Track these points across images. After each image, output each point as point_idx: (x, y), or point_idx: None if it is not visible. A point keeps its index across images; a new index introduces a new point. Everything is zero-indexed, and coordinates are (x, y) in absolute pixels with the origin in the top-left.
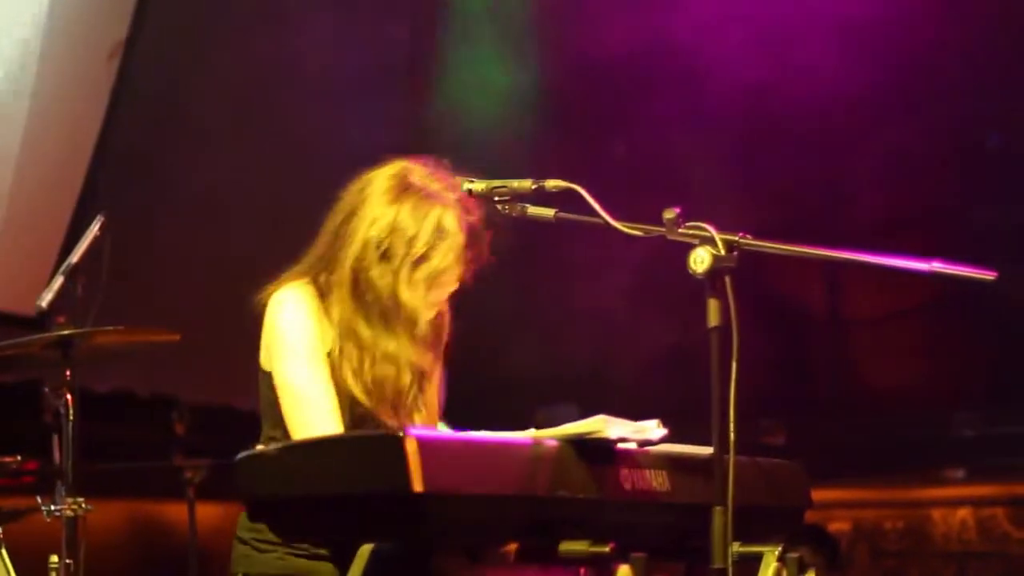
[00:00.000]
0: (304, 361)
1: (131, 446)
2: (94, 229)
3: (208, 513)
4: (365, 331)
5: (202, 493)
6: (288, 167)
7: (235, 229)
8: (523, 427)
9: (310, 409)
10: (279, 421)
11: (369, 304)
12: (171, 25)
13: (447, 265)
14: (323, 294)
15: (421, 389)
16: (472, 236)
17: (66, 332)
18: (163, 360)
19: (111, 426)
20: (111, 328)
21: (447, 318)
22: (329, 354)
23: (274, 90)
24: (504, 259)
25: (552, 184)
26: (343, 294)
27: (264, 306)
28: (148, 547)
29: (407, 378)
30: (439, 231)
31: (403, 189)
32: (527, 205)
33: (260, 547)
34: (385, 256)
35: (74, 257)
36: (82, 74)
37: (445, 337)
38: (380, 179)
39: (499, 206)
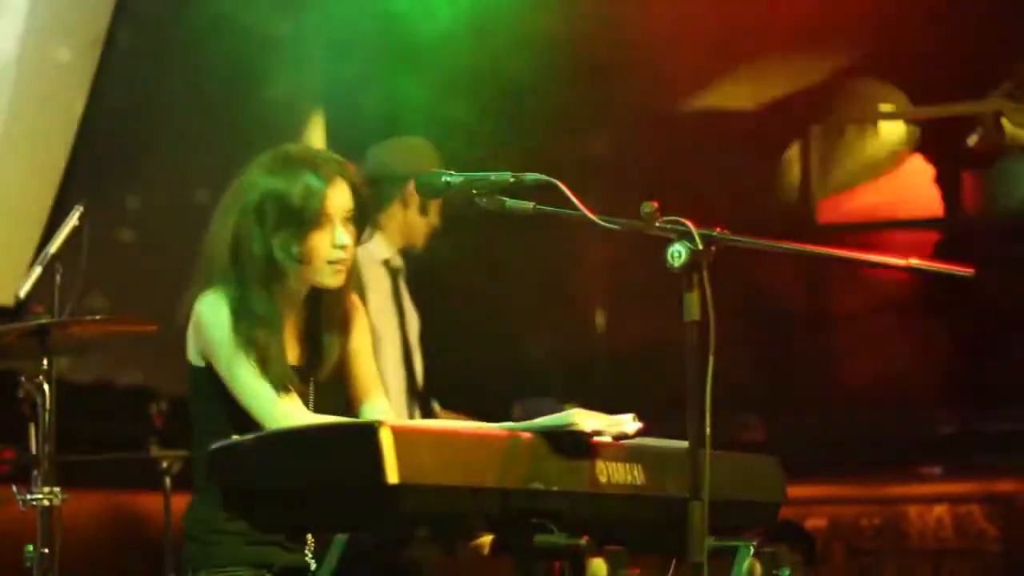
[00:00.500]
0: (243, 359)
1: (109, 437)
2: (73, 219)
3: (185, 504)
4: (255, 303)
5: (179, 484)
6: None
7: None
8: (500, 420)
9: (256, 398)
10: (216, 414)
11: (248, 272)
12: (151, 16)
13: (319, 223)
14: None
15: (323, 359)
16: (356, 199)
17: (43, 322)
18: (142, 351)
19: (89, 417)
20: (88, 318)
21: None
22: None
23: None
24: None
25: (531, 178)
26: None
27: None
28: (124, 538)
29: (292, 346)
30: (310, 189)
31: (278, 161)
32: (505, 198)
33: (210, 539)
34: (260, 221)
35: (52, 247)
36: (62, 65)
37: (357, 318)
38: (257, 160)
39: (477, 199)
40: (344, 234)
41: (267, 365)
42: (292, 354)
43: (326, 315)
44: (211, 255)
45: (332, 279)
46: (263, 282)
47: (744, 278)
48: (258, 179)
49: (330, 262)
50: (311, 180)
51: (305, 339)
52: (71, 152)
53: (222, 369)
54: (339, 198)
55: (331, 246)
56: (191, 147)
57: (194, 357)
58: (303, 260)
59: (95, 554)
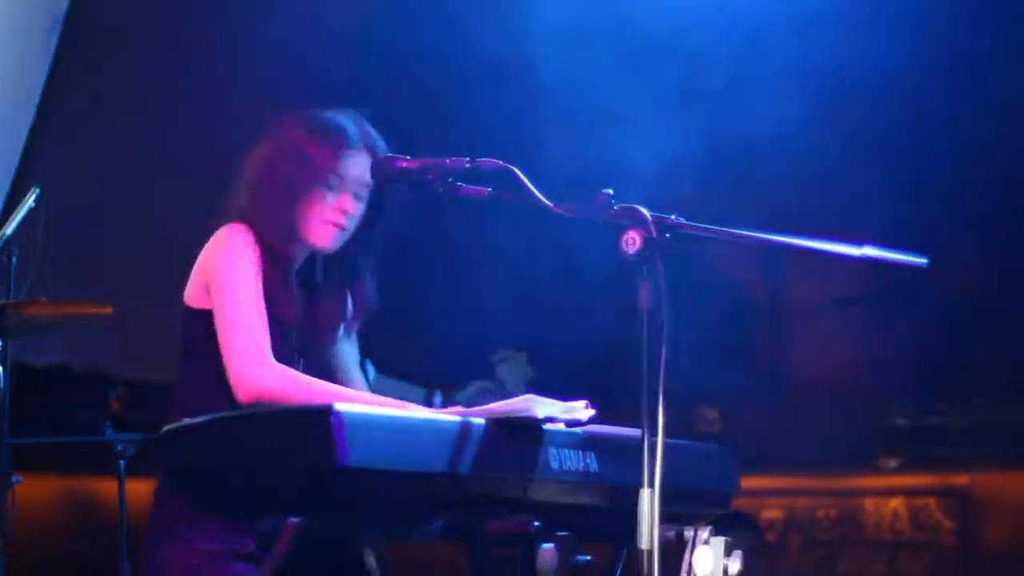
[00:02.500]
0: (249, 281)
1: (66, 421)
2: (28, 201)
3: (141, 490)
4: (272, 237)
5: (135, 469)
6: (228, 142)
7: (172, 204)
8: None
9: (247, 328)
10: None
11: (266, 210)
12: (109, 1)
13: (333, 185)
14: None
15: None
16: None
17: None
18: (100, 336)
19: (46, 400)
20: (43, 300)
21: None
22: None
23: (211, 63)
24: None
25: (486, 164)
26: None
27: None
28: (80, 522)
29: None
30: (328, 144)
31: (317, 119)
32: (460, 184)
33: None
34: (284, 168)
35: (7, 229)
36: (20, 50)
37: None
38: (297, 116)
39: (433, 184)
40: (351, 203)
41: (269, 295)
42: (290, 311)
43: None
44: (234, 194)
45: (322, 239)
46: (278, 218)
47: (701, 267)
48: (291, 132)
49: (326, 220)
50: (334, 143)
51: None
52: (29, 135)
53: (222, 291)
54: (357, 168)
55: (334, 207)
56: (152, 128)
57: (195, 296)
58: (307, 209)
59: (51, 537)
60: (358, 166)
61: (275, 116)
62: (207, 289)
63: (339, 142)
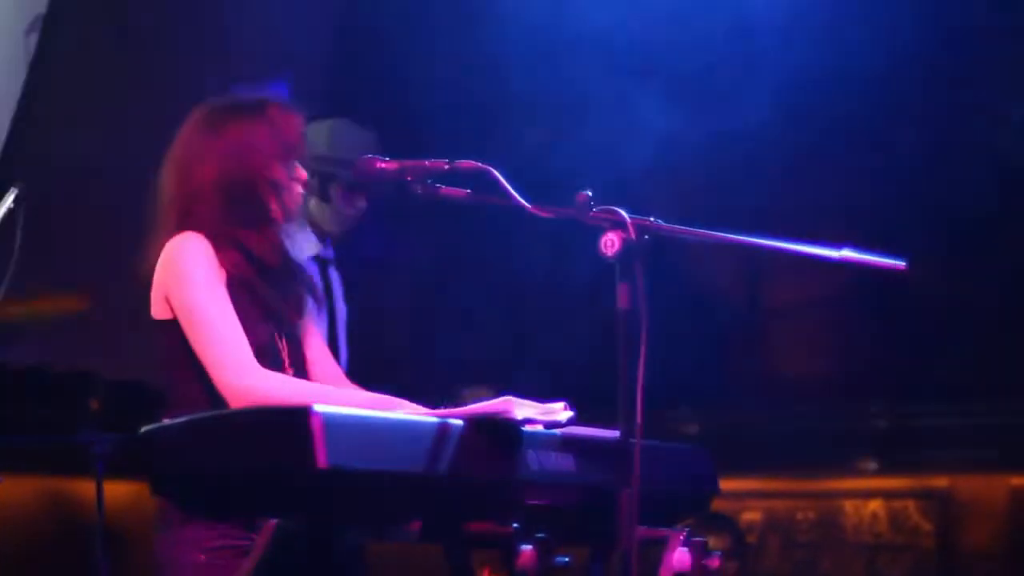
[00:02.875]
0: (210, 293)
1: (44, 422)
2: (7, 201)
3: (119, 491)
4: (235, 233)
5: (113, 471)
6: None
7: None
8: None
9: (223, 342)
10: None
11: (223, 206)
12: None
13: (280, 147)
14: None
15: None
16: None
17: None
18: (78, 336)
19: (24, 402)
20: (19, 297)
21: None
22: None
23: (194, 61)
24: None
25: (465, 165)
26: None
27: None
28: (57, 523)
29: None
30: (265, 122)
31: (221, 110)
32: (440, 185)
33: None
34: (221, 167)
35: None
36: (0, 49)
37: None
38: (203, 109)
39: (412, 186)
40: (300, 169)
41: (244, 288)
42: (268, 297)
43: (297, 264)
44: (178, 200)
45: (288, 208)
46: (234, 211)
47: (680, 269)
48: (215, 122)
49: (286, 190)
50: (280, 118)
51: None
52: (8, 135)
53: (186, 310)
54: (296, 134)
55: (290, 177)
56: (133, 127)
57: (159, 310)
58: (276, 188)
59: (29, 539)
60: (298, 129)
61: (181, 115)
62: (168, 303)
63: (287, 115)
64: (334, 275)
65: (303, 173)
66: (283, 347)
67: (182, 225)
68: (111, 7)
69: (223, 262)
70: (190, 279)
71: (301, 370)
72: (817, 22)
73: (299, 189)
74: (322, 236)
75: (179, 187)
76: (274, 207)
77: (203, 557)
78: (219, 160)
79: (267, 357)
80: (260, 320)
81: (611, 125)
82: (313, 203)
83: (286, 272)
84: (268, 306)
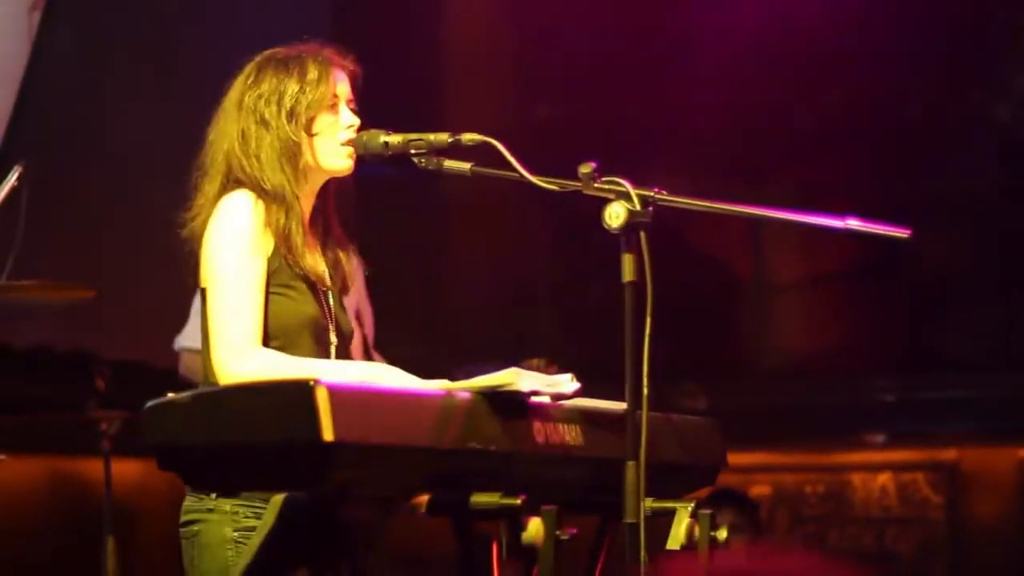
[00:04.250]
0: (238, 264)
1: (49, 402)
2: (11, 179)
3: (126, 470)
4: (276, 187)
5: (120, 449)
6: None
7: (157, 183)
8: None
9: (228, 318)
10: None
11: (264, 160)
12: None
13: (327, 104)
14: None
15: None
16: (351, 75)
17: None
18: (83, 315)
19: (29, 382)
20: (25, 282)
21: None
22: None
23: (197, 38)
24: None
25: (468, 138)
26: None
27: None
28: (65, 500)
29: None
30: (315, 73)
31: (274, 59)
32: (443, 159)
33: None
34: (269, 112)
35: None
36: (3, 27)
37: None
38: (251, 64)
39: (415, 159)
40: (351, 114)
41: (291, 251)
42: (312, 259)
43: (336, 229)
44: (220, 160)
45: (344, 161)
46: (280, 165)
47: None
48: (257, 76)
49: (342, 144)
50: (312, 65)
51: (322, 247)
52: (12, 113)
53: (211, 275)
54: (341, 83)
55: (341, 127)
56: (137, 104)
57: (202, 277)
58: (315, 132)
59: (35, 518)
60: (344, 80)
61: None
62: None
63: (322, 63)
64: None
65: (349, 120)
66: (332, 313)
67: (227, 182)
68: None
69: (269, 224)
70: (224, 245)
71: (348, 342)
72: None
73: (343, 137)
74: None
75: (218, 143)
76: (316, 159)
77: (230, 533)
78: (252, 114)
79: (317, 325)
80: (301, 289)
81: None
82: None
83: (331, 235)
84: (317, 275)
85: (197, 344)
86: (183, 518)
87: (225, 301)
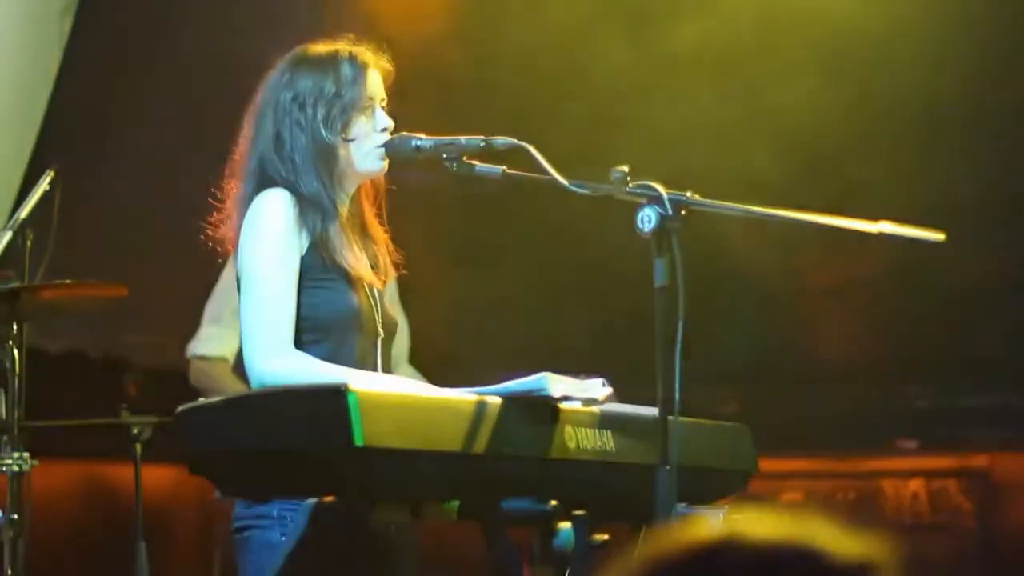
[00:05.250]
0: (274, 262)
1: (82, 405)
2: (44, 183)
3: (158, 475)
4: (311, 189)
5: (152, 455)
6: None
7: (188, 187)
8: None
9: (262, 317)
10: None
11: (298, 161)
12: None
13: (362, 106)
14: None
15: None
16: (384, 74)
17: (13, 286)
18: (116, 321)
19: (63, 386)
20: (58, 283)
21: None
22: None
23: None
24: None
25: (501, 142)
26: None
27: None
28: (96, 507)
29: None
30: (349, 74)
31: (308, 57)
32: (475, 163)
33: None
34: (303, 113)
35: (23, 211)
36: (33, 32)
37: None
38: (285, 61)
39: (447, 163)
40: (385, 117)
41: (329, 251)
42: (352, 255)
43: (372, 225)
44: (254, 161)
45: (378, 163)
46: (315, 168)
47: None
48: (292, 76)
49: (376, 146)
50: (347, 66)
51: (360, 244)
52: (44, 117)
53: (245, 274)
54: (375, 84)
55: (374, 130)
56: (167, 109)
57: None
58: (351, 138)
59: (67, 522)
60: (377, 80)
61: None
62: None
63: (357, 64)
64: None
65: (383, 122)
66: (378, 305)
67: (261, 181)
68: None
69: (304, 224)
70: (259, 242)
71: (391, 334)
72: None
73: (376, 139)
74: None
75: (252, 143)
76: (351, 162)
77: (283, 538)
78: (287, 116)
79: (362, 316)
80: (346, 283)
81: None
82: None
83: (368, 233)
84: (356, 265)
85: (210, 351)
86: (234, 524)
87: (257, 302)
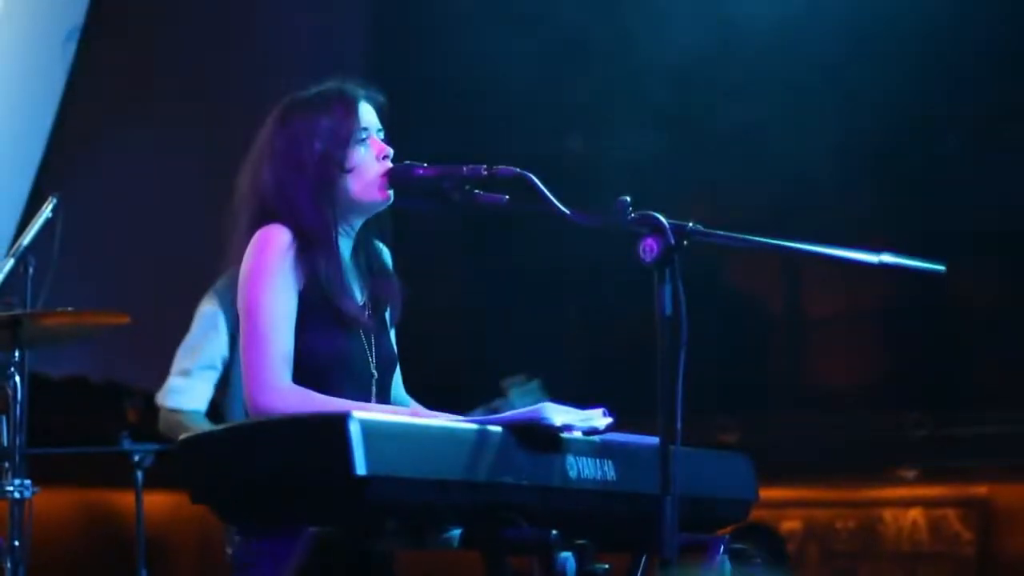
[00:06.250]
0: (271, 295)
1: (83, 433)
2: (46, 211)
3: (159, 502)
4: (312, 225)
5: (153, 482)
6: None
7: (189, 213)
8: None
9: (261, 350)
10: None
11: (300, 198)
12: (127, 10)
13: (359, 138)
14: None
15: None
16: (377, 105)
17: (14, 313)
18: (117, 348)
19: (64, 412)
20: (59, 310)
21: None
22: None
23: (229, 70)
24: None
25: (503, 171)
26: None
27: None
28: (97, 533)
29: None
30: (343, 110)
31: (302, 100)
32: (477, 192)
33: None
34: (302, 152)
35: (25, 239)
36: (38, 59)
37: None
38: (280, 108)
39: (450, 192)
40: (384, 145)
41: (329, 292)
42: (351, 297)
43: (375, 260)
44: (254, 207)
45: (381, 194)
46: (315, 204)
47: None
48: (284, 122)
49: (378, 175)
50: (337, 101)
51: (363, 281)
52: (47, 144)
53: (244, 307)
54: (368, 114)
55: (375, 159)
56: (169, 137)
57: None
58: (349, 168)
59: (68, 548)
60: (370, 111)
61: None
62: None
63: (347, 99)
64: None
65: (381, 148)
66: (372, 346)
67: (261, 218)
68: (147, 17)
69: (303, 261)
70: (257, 276)
71: (388, 374)
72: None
73: (376, 169)
74: None
75: (252, 182)
76: (353, 194)
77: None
78: (284, 158)
79: (355, 360)
80: (340, 326)
81: None
82: None
83: (372, 269)
84: (351, 309)
85: (182, 405)
86: (236, 561)
87: (255, 335)
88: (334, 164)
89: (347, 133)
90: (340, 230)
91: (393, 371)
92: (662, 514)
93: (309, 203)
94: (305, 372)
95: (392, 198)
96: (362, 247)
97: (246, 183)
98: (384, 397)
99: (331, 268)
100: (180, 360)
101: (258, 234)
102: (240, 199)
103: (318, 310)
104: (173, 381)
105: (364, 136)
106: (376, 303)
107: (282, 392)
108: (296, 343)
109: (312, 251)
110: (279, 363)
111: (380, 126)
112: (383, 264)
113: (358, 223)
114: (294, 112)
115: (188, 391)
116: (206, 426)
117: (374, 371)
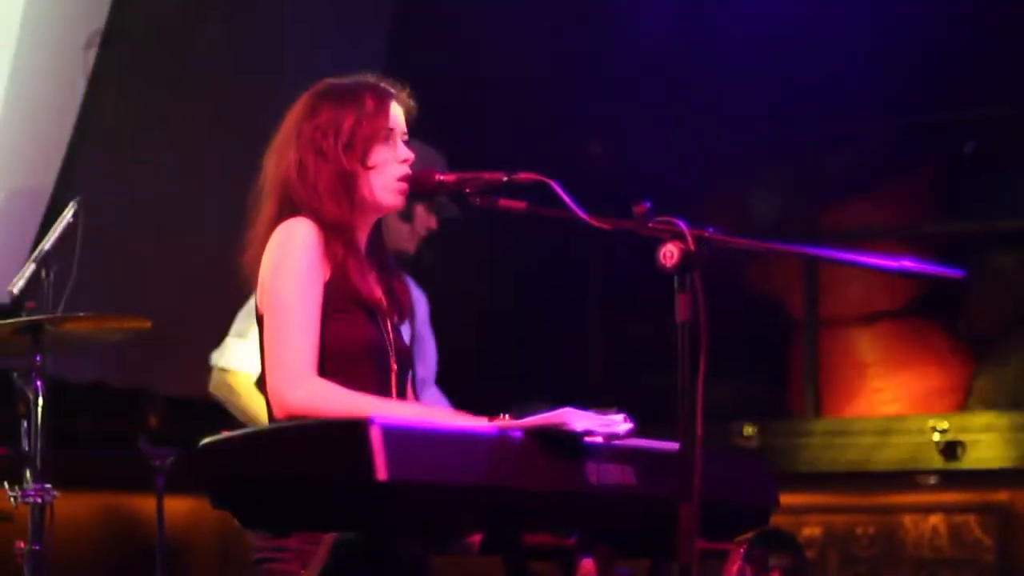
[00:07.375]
0: (299, 290)
1: (104, 438)
2: (67, 215)
3: (179, 507)
4: (332, 216)
5: (173, 487)
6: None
7: (211, 218)
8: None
9: (286, 345)
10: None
11: (320, 189)
12: (149, 13)
13: (383, 137)
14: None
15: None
16: (406, 108)
17: (36, 318)
18: (137, 351)
19: (84, 417)
20: (81, 314)
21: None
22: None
23: (251, 75)
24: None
25: (523, 177)
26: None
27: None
28: (118, 538)
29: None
30: (372, 106)
31: (331, 89)
32: (498, 197)
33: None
34: (325, 142)
35: (47, 244)
36: (58, 64)
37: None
38: (308, 95)
39: (471, 197)
40: (406, 149)
41: (349, 280)
42: (370, 287)
43: (389, 259)
44: (277, 190)
45: (396, 198)
46: (336, 195)
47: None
48: (315, 108)
49: (394, 176)
50: (370, 97)
51: (378, 275)
52: (68, 149)
53: (270, 302)
54: (397, 116)
55: (395, 161)
56: (191, 141)
57: (262, 303)
58: (372, 165)
59: (89, 554)
60: (400, 112)
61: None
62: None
63: (380, 95)
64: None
65: (404, 154)
66: (391, 339)
67: (284, 208)
68: (168, 21)
69: (327, 253)
70: (284, 270)
71: (407, 369)
72: None
73: (398, 172)
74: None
75: (275, 172)
76: (370, 193)
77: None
78: (310, 144)
79: (377, 350)
80: (365, 315)
81: None
82: (388, 222)
83: (388, 267)
84: (375, 301)
85: (233, 365)
86: (255, 556)
87: (281, 328)
88: (356, 158)
89: (375, 129)
90: (357, 224)
91: (410, 366)
92: (682, 520)
93: (329, 192)
94: (331, 361)
95: (404, 205)
96: (375, 243)
97: (272, 164)
98: (402, 391)
99: (354, 258)
100: (238, 322)
101: (282, 227)
102: (263, 181)
103: (342, 300)
104: (229, 341)
105: (389, 135)
106: (391, 298)
107: (309, 386)
108: (322, 333)
109: (335, 241)
110: (306, 358)
111: (405, 130)
112: (393, 261)
113: (371, 220)
114: (325, 100)
115: (242, 352)
116: (254, 392)
117: (394, 364)
